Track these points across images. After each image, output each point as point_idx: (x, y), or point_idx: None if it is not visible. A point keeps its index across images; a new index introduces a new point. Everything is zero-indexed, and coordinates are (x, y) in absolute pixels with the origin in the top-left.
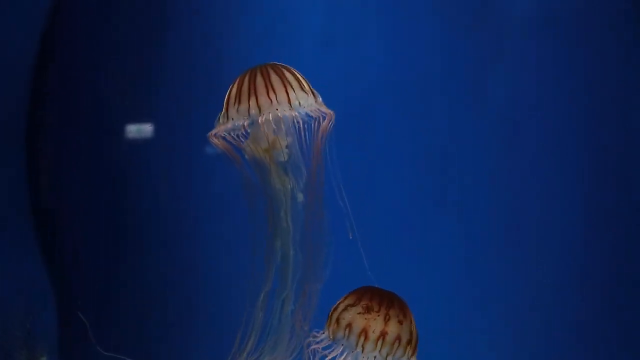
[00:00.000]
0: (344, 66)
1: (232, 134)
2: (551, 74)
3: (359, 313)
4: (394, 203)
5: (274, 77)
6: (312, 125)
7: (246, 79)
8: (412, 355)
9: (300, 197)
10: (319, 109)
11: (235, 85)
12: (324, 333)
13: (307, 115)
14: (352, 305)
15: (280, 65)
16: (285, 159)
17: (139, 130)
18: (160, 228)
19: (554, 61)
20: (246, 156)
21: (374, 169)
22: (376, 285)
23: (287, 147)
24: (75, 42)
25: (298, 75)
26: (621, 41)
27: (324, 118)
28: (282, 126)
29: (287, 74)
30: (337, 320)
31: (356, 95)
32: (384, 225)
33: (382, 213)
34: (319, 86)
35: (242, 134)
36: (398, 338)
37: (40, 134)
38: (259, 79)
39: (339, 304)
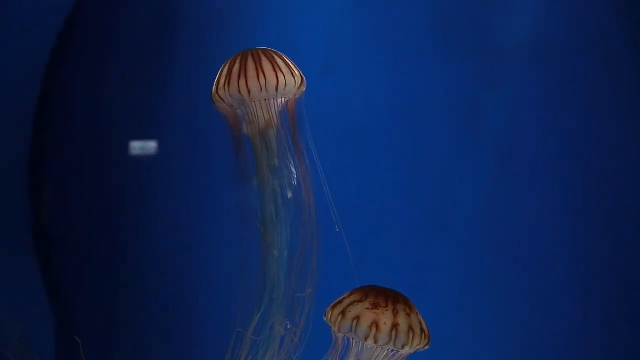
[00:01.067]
0: (344, 92)
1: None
2: (549, 101)
3: (367, 309)
4: (392, 225)
5: (265, 61)
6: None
7: (237, 60)
8: (427, 343)
9: (289, 194)
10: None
11: (226, 67)
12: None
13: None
14: (359, 302)
15: (271, 50)
16: (275, 146)
17: (143, 147)
18: (162, 249)
19: (552, 88)
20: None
21: (372, 192)
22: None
23: (275, 132)
24: (80, 58)
25: (288, 60)
26: (619, 69)
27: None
28: (272, 110)
29: (278, 59)
30: (343, 313)
31: (356, 121)
32: (380, 246)
33: (379, 235)
34: (320, 112)
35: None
36: (411, 328)
37: (43, 154)
38: (250, 62)
39: (343, 299)
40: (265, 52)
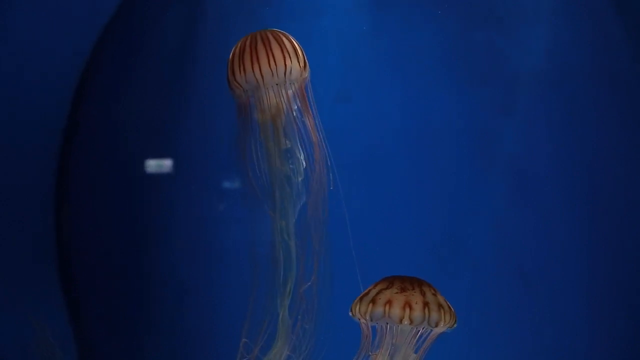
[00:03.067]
0: (360, 119)
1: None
2: (562, 127)
3: (396, 293)
4: (406, 250)
5: (274, 44)
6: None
7: (247, 43)
8: (455, 322)
9: (299, 177)
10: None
11: (238, 50)
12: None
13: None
14: (386, 289)
15: (279, 31)
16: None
17: (159, 165)
18: (181, 266)
19: (565, 114)
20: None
21: (387, 217)
22: None
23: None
24: (105, 81)
25: (295, 43)
26: (631, 94)
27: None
28: (285, 97)
29: (286, 42)
30: (373, 301)
31: (371, 148)
32: (394, 269)
33: (393, 258)
34: (334, 139)
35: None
36: (440, 305)
37: (67, 172)
38: (260, 46)
39: (369, 291)
40: (273, 33)
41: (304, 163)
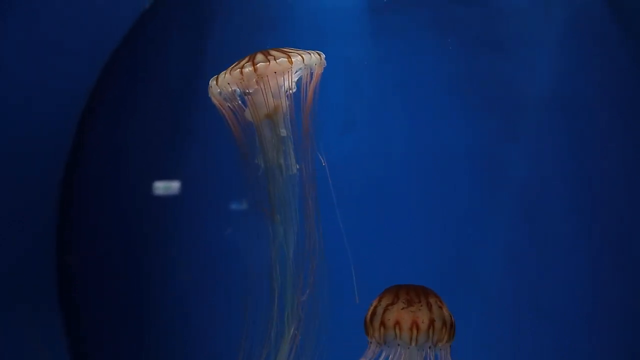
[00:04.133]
0: (365, 148)
1: (231, 98)
2: (570, 152)
3: (403, 308)
4: (414, 277)
5: (273, 51)
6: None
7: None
8: (453, 338)
9: (294, 169)
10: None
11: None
12: (371, 342)
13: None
14: (392, 304)
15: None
16: (283, 128)
17: (167, 187)
18: (186, 293)
19: (573, 139)
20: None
21: (393, 246)
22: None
23: (284, 114)
24: (109, 104)
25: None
26: (638, 121)
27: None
28: (281, 90)
29: (285, 48)
30: (383, 323)
31: (377, 176)
32: None
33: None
34: (341, 166)
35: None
36: (444, 323)
37: (71, 201)
38: (259, 54)
39: (376, 307)
40: (273, 48)
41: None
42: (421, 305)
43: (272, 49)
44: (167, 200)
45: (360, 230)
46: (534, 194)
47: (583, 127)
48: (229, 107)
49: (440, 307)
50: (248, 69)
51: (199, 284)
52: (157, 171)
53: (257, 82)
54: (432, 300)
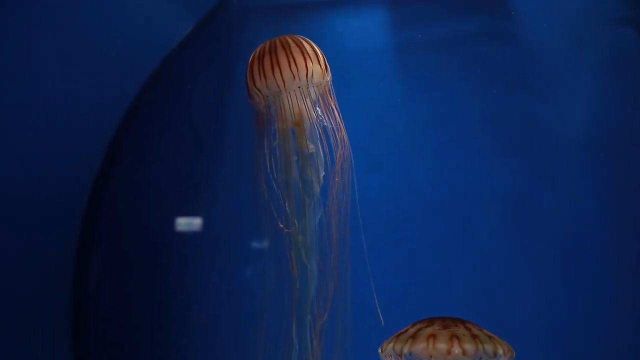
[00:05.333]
0: (390, 190)
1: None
2: (607, 197)
3: (439, 329)
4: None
5: (294, 48)
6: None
7: (267, 48)
8: (512, 353)
9: (317, 188)
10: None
11: (257, 55)
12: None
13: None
14: (426, 327)
15: (298, 36)
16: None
17: (188, 224)
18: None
19: (609, 184)
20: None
21: (417, 293)
22: None
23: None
24: (136, 140)
25: (314, 46)
26: None
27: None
28: (307, 101)
29: (306, 45)
30: (414, 337)
31: (405, 219)
32: None
33: None
34: (367, 206)
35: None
36: (490, 336)
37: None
38: (280, 50)
39: (406, 330)
40: (292, 38)
41: (323, 171)
42: (458, 328)
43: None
44: (187, 238)
45: (384, 275)
46: (569, 238)
47: (619, 169)
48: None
49: (481, 329)
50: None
51: (217, 322)
52: (179, 208)
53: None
54: (469, 325)
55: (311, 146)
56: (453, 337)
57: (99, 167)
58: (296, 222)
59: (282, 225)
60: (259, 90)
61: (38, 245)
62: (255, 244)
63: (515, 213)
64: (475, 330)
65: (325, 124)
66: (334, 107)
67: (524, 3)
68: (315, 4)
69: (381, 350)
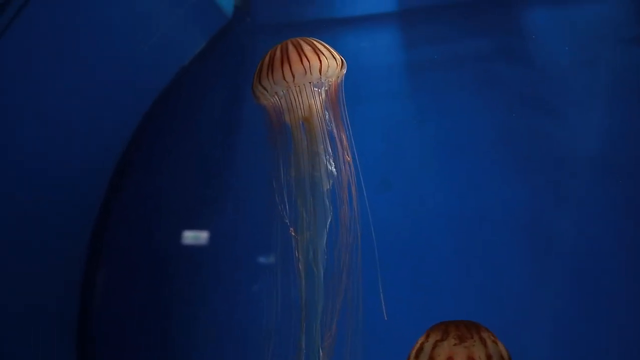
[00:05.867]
0: (402, 209)
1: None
2: (622, 216)
3: (455, 345)
4: None
5: (306, 47)
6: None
7: (278, 49)
8: None
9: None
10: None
11: (267, 56)
12: None
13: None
14: (441, 340)
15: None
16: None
17: (194, 235)
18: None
19: (620, 201)
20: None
21: (430, 315)
22: None
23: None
24: (149, 154)
25: (327, 46)
26: None
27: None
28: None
29: (317, 44)
30: (432, 357)
31: (413, 237)
32: None
33: None
34: (378, 227)
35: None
36: (502, 357)
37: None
38: (291, 48)
39: (422, 344)
40: (304, 39)
41: (333, 170)
42: (474, 341)
43: (303, 43)
44: (194, 250)
45: (395, 291)
46: (582, 255)
47: (633, 188)
48: (273, 103)
49: (495, 342)
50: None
51: (224, 334)
52: (187, 222)
53: (290, 83)
54: (484, 334)
55: (318, 147)
56: (469, 359)
57: (110, 179)
58: (306, 221)
59: (292, 230)
60: (265, 88)
61: (48, 255)
62: (261, 258)
63: (527, 230)
64: (489, 344)
65: (332, 122)
66: (341, 103)
67: (537, 22)
68: (327, 22)
69: None
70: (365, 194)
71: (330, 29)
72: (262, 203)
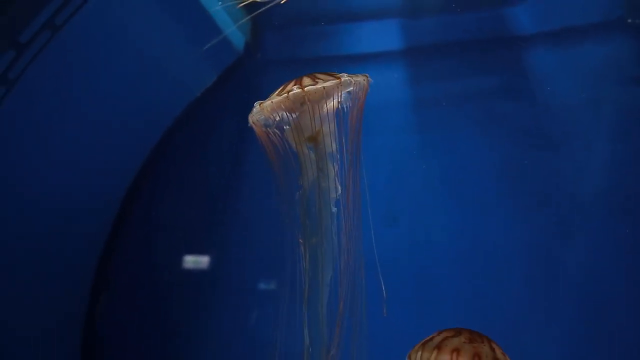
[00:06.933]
0: (408, 243)
1: (272, 125)
2: (629, 251)
3: (464, 342)
4: None
5: (320, 74)
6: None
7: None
8: None
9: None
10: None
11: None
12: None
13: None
14: (452, 337)
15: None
16: (327, 150)
17: (197, 261)
18: None
19: (627, 238)
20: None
21: None
22: None
23: (328, 137)
24: (157, 184)
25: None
26: None
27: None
28: (326, 111)
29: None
30: (438, 347)
31: (420, 271)
32: None
33: None
34: (384, 259)
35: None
36: None
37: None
38: (305, 78)
39: (432, 338)
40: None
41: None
42: (484, 345)
43: (318, 73)
44: (198, 279)
45: (402, 327)
46: (589, 291)
47: (637, 224)
48: (269, 134)
49: (504, 355)
50: (295, 90)
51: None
52: (191, 251)
53: (303, 104)
54: (494, 345)
55: (325, 165)
56: (475, 356)
57: (119, 206)
58: (311, 228)
59: (300, 240)
60: (273, 108)
61: (54, 282)
62: (266, 284)
63: (532, 265)
64: (498, 353)
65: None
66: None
67: (541, 62)
68: (335, 58)
69: (408, 358)
70: (371, 226)
71: (338, 65)
72: (267, 231)
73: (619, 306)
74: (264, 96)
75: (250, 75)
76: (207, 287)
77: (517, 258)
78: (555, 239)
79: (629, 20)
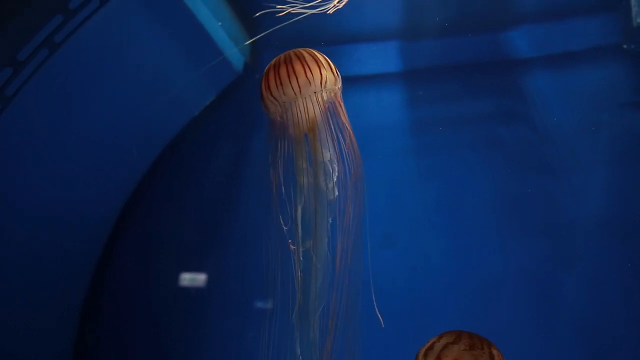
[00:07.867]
0: (404, 267)
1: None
2: (630, 281)
3: (464, 350)
4: None
5: (308, 58)
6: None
7: (282, 60)
8: None
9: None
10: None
11: (272, 66)
12: None
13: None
14: (452, 343)
15: (310, 49)
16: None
17: (193, 279)
18: None
19: (628, 264)
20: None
21: None
22: None
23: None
24: (152, 203)
25: (325, 56)
26: None
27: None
28: (318, 106)
29: (317, 55)
30: (439, 357)
31: (416, 295)
32: None
33: None
34: (381, 283)
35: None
36: None
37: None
38: (295, 60)
39: (434, 343)
40: (305, 50)
41: (336, 178)
42: (484, 352)
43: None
44: (194, 297)
45: (394, 353)
46: (588, 318)
47: (637, 250)
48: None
49: None
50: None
51: None
52: (186, 269)
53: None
54: (494, 351)
55: (324, 153)
56: None
57: (114, 223)
58: (302, 233)
59: (292, 245)
60: (275, 98)
61: (47, 299)
62: (262, 303)
63: (530, 291)
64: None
65: (335, 131)
66: (343, 113)
67: (539, 86)
68: None
69: None
70: (368, 249)
71: None
72: (263, 249)
73: (620, 333)
74: (262, 116)
75: (248, 95)
76: (203, 305)
77: (513, 282)
78: (554, 265)
79: (625, 46)
